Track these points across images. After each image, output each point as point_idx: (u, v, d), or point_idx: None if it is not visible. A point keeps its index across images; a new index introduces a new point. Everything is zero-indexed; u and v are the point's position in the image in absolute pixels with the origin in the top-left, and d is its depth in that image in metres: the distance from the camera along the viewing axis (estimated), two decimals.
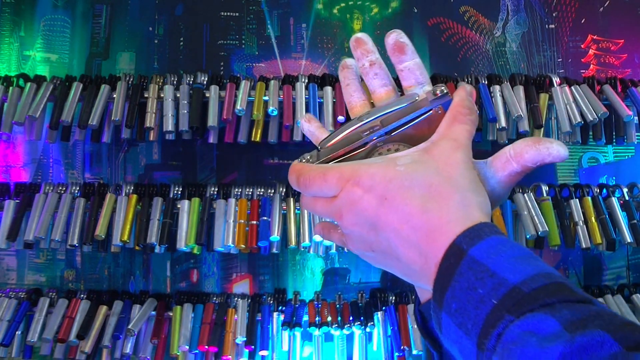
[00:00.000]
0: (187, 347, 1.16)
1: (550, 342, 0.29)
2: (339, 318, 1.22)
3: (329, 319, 1.20)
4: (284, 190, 1.22)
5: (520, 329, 0.30)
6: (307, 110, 1.18)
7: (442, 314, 0.35)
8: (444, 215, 0.36)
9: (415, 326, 1.18)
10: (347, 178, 0.40)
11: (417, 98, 0.44)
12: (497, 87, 1.22)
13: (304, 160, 0.47)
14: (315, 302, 1.25)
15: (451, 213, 0.37)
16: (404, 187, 0.38)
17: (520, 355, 0.29)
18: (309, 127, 0.51)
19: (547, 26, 1.45)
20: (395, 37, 0.47)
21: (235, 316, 1.20)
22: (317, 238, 1.15)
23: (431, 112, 0.43)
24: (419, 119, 0.43)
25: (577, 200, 1.22)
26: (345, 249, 0.52)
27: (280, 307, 1.24)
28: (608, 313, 0.30)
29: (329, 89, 1.20)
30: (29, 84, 1.19)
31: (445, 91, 0.43)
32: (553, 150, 0.39)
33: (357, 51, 0.49)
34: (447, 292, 0.34)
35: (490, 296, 0.32)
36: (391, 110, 0.44)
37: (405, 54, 0.47)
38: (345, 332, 1.21)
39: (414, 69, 0.46)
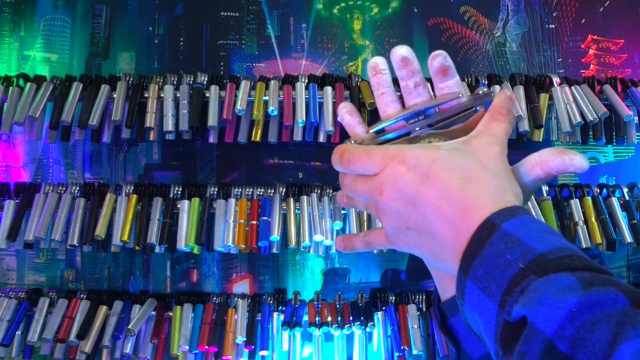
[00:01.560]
0: (187, 347, 1.16)
1: (568, 293, 0.31)
2: (339, 318, 1.22)
3: (329, 319, 1.20)
4: (284, 190, 1.22)
5: (542, 283, 0.32)
6: (307, 110, 1.18)
7: (467, 282, 0.37)
8: (481, 195, 0.39)
9: (416, 326, 1.18)
10: (391, 156, 0.42)
11: (460, 95, 0.47)
12: (497, 87, 1.22)
13: (348, 143, 0.48)
14: (315, 302, 1.25)
15: (488, 194, 0.39)
16: (445, 168, 0.40)
17: (540, 301, 0.32)
18: (350, 120, 0.52)
19: (547, 26, 1.45)
20: (441, 61, 0.48)
21: (235, 316, 1.20)
22: (317, 238, 1.15)
23: (472, 109, 0.46)
24: (462, 114, 0.46)
25: (577, 200, 1.22)
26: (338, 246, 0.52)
27: (280, 307, 1.24)
28: (624, 283, 0.33)
29: (329, 89, 1.20)
30: (29, 84, 1.19)
31: (486, 91, 0.46)
32: (576, 161, 0.41)
33: (403, 71, 0.49)
34: (475, 260, 0.36)
35: (517, 261, 0.34)
36: (437, 104, 0.47)
37: (448, 76, 0.48)
38: (345, 332, 1.21)
39: (453, 87, 0.48)
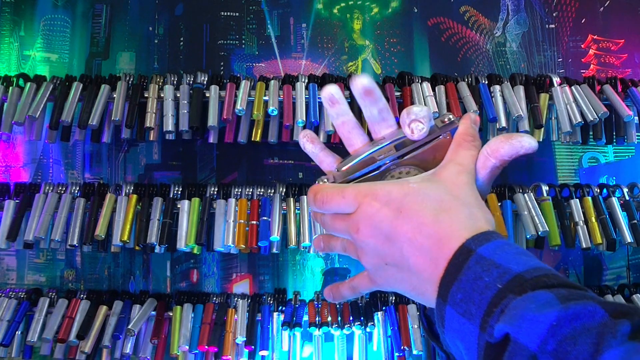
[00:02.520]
0: (187, 347, 1.16)
1: (547, 308, 0.32)
2: (339, 318, 1.22)
3: (329, 319, 1.20)
4: (284, 190, 1.22)
5: (521, 301, 0.33)
6: (307, 110, 1.18)
7: (447, 308, 0.38)
8: (455, 224, 0.40)
9: (416, 326, 1.18)
10: (364, 194, 0.44)
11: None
12: (497, 87, 1.22)
13: (321, 183, 0.49)
14: (315, 302, 1.25)
15: (461, 222, 0.40)
16: (417, 202, 0.42)
17: (521, 317, 0.32)
18: (313, 148, 0.53)
19: (547, 26, 1.45)
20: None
21: (235, 316, 1.20)
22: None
23: (440, 137, 0.47)
24: (429, 143, 0.47)
25: (578, 200, 1.22)
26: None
27: (280, 307, 1.24)
28: (599, 297, 0.34)
29: None
30: (29, 84, 1.19)
31: (452, 119, 0.47)
32: (525, 142, 0.43)
33: (366, 100, 0.50)
34: (453, 285, 0.37)
35: (495, 282, 0.35)
36: (404, 136, 0.48)
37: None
38: (345, 332, 1.21)
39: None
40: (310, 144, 0.53)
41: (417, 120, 0.46)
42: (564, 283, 0.35)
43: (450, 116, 0.47)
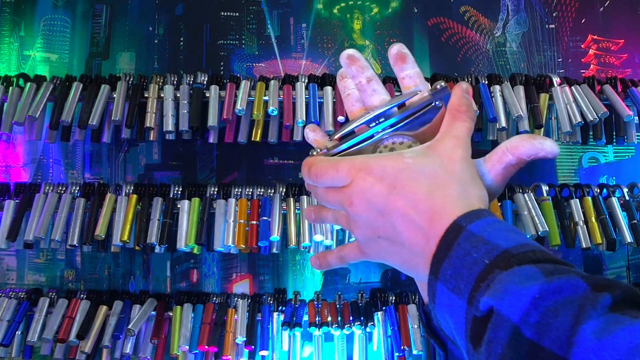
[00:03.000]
0: (187, 347, 1.16)
1: (531, 281, 0.33)
2: (339, 318, 1.22)
3: (329, 319, 1.20)
4: (284, 190, 1.22)
5: (506, 275, 0.34)
6: (307, 110, 1.18)
7: (437, 284, 0.38)
8: (448, 201, 0.40)
9: (416, 326, 1.18)
10: (358, 168, 0.43)
11: (418, 92, 0.47)
12: (497, 87, 1.22)
13: (314, 154, 0.49)
14: (315, 302, 1.25)
15: (454, 199, 0.40)
16: (411, 177, 0.42)
17: (504, 290, 0.33)
18: (314, 135, 0.53)
19: (547, 26, 1.45)
20: (398, 47, 0.49)
21: (235, 316, 1.20)
22: (317, 238, 1.15)
23: (432, 105, 0.46)
24: (421, 111, 0.46)
25: (578, 200, 1.22)
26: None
27: (280, 307, 1.24)
28: (583, 272, 0.34)
29: (329, 88, 1.20)
30: (29, 84, 1.19)
31: (444, 85, 0.46)
32: (546, 146, 0.43)
33: (352, 68, 0.50)
34: (444, 262, 0.37)
35: (483, 258, 0.36)
36: (396, 103, 0.47)
37: (406, 63, 0.49)
38: (345, 332, 1.21)
39: (414, 77, 0.49)
40: (312, 132, 0.53)
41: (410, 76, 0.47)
42: (551, 259, 0.35)
43: (442, 83, 0.46)
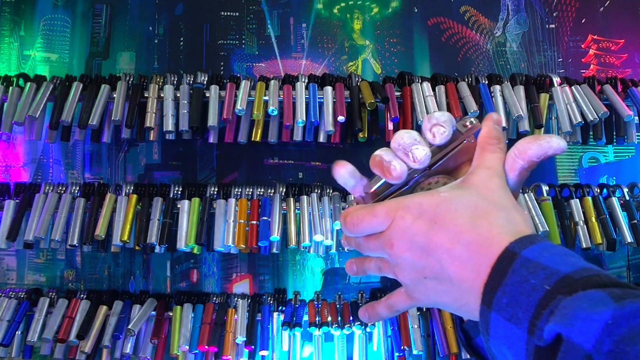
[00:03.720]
0: (187, 347, 1.16)
1: (601, 306, 0.30)
2: (339, 318, 1.22)
3: (329, 319, 1.20)
4: (284, 190, 1.22)
5: (572, 300, 0.31)
6: (307, 110, 1.18)
7: (492, 314, 0.36)
8: (494, 229, 0.38)
9: (416, 326, 1.18)
10: (395, 209, 0.42)
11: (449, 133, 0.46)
12: (498, 87, 1.22)
13: (350, 207, 0.48)
14: (315, 302, 1.25)
15: (500, 227, 0.38)
16: (451, 210, 0.40)
17: (573, 316, 0.30)
18: (345, 170, 0.49)
19: (547, 26, 1.45)
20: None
21: (235, 316, 1.20)
22: (317, 238, 1.15)
23: (464, 142, 0.46)
24: (455, 149, 0.46)
25: (578, 200, 1.22)
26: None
27: (280, 307, 1.24)
28: None
29: (329, 88, 1.20)
30: (29, 84, 1.19)
31: (474, 122, 0.46)
32: (553, 143, 0.42)
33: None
34: (498, 290, 0.35)
35: (542, 284, 0.33)
36: (430, 146, 0.46)
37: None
38: (345, 332, 1.21)
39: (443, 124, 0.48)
40: (342, 167, 0.48)
41: (439, 124, 0.44)
42: (616, 283, 0.33)
43: (472, 119, 0.46)
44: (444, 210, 0.40)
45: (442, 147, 0.46)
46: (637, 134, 1.25)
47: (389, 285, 1.34)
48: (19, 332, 1.18)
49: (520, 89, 1.22)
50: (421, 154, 0.44)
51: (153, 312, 1.22)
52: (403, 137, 0.44)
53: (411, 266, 0.42)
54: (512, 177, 0.44)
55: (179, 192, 1.21)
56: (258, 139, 1.19)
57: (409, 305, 0.47)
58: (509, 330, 0.34)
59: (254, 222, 1.17)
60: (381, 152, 0.45)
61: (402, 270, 0.43)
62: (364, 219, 0.44)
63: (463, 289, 0.39)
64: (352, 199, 0.51)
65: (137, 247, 1.17)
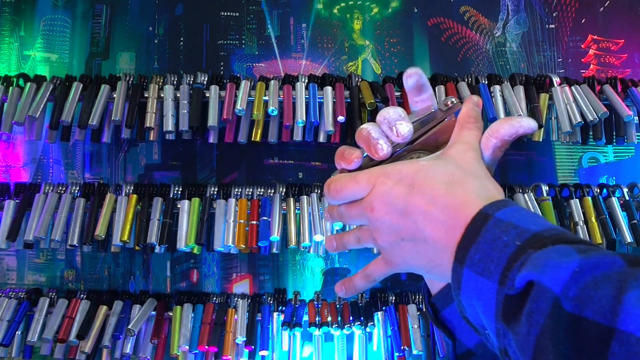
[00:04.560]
0: (187, 347, 1.16)
1: (569, 257, 0.33)
2: (339, 318, 1.22)
3: (329, 319, 1.20)
4: (284, 190, 1.22)
5: (542, 253, 0.34)
6: (307, 110, 1.18)
7: (464, 270, 0.38)
8: (469, 194, 0.41)
9: (416, 326, 1.18)
10: (376, 175, 0.45)
11: (432, 110, 0.50)
12: (497, 87, 1.22)
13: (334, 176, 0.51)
14: (315, 302, 1.25)
15: (475, 193, 0.41)
16: (428, 176, 0.43)
17: (544, 264, 0.33)
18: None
19: (547, 26, 1.45)
20: (417, 79, 0.51)
21: (235, 316, 1.20)
22: (317, 238, 1.15)
23: (445, 120, 0.50)
24: (436, 127, 0.50)
25: (577, 200, 1.22)
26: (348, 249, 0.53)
27: (280, 307, 1.24)
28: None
29: (329, 88, 1.20)
30: (29, 84, 1.19)
31: (455, 102, 0.49)
32: (524, 123, 0.46)
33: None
34: (471, 248, 0.38)
35: (514, 240, 0.36)
36: (414, 121, 0.49)
37: (423, 92, 0.52)
38: (345, 332, 1.21)
39: (426, 100, 0.52)
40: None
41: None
42: (581, 240, 0.36)
43: (453, 99, 0.49)
44: (422, 177, 0.43)
45: (424, 123, 0.49)
46: (637, 134, 1.25)
47: (389, 285, 1.34)
48: (19, 332, 1.18)
49: (520, 89, 1.22)
50: (404, 130, 0.47)
51: (153, 312, 1.22)
52: (389, 112, 0.47)
53: (389, 228, 0.44)
54: (487, 154, 0.47)
55: (179, 192, 1.21)
56: (258, 139, 1.19)
57: (386, 271, 0.49)
58: (480, 283, 0.37)
59: (254, 222, 1.17)
60: (368, 127, 0.48)
61: (380, 233, 0.45)
62: (347, 184, 0.46)
63: (438, 249, 0.41)
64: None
65: (137, 247, 1.17)
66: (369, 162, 0.49)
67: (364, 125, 0.49)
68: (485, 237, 0.37)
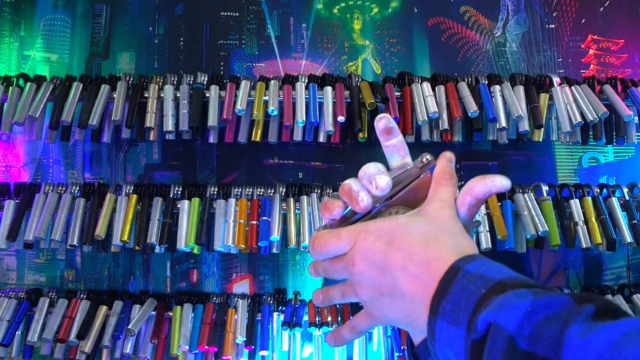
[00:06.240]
0: (187, 347, 1.16)
1: (524, 298, 0.36)
2: (339, 318, 1.22)
3: (329, 319, 1.20)
4: (284, 190, 1.22)
5: (502, 297, 0.37)
6: (307, 110, 1.18)
7: (437, 321, 0.40)
8: (443, 250, 0.44)
9: None
10: (358, 231, 0.48)
11: (408, 168, 0.53)
12: (497, 87, 1.22)
13: (316, 232, 0.53)
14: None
15: (448, 248, 0.44)
16: (406, 233, 0.45)
17: (500, 304, 0.36)
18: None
19: (547, 26, 1.45)
20: (385, 123, 0.53)
21: (235, 316, 1.20)
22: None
23: (421, 177, 0.52)
24: (412, 183, 0.52)
25: (578, 200, 1.22)
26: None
27: (280, 307, 1.24)
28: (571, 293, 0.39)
29: (329, 88, 1.20)
30: (29, 84, 1.19)
31: (429, 159, 0.52)
32: (497, 182, 0.48)
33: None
34: (443, 299, 0.40)
35: (480, 289, 0.39)
36: (391, 177, 0.51)
37: (392, 135, 0.54)
38: None
39: (398, 145, 0.54)
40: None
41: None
42: (542, 286, 0.39)
43: (428, 156, 0.52)
44: (401, 234, 0.45)
45: (401, 180, 0.52)
46: (637, 134, 1.25)
47: None
48: (19, 332, 1.18)
49: (520, 89, 1.22)
50: (383, 182, 0.49)
51: (153, 312, 1.22)
52: (369, 167, 0.49)
53: (369, 283, 0.46)
54: (463, 211, 0.49)
55: (179, 192, 1.21)
56: (258, 139, 1.19)
57: (369, 325, 0.51)
58: (451, 332, 0.39)
59: (254, 222, 1.17)
60: (350, 182, 0.51)
61: (361, 288, 0.47)
62: (330, 240, 0.49)
63: (415, 303, 0.43)
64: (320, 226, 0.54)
65: (137, 247, 1.17)
66: (352, 217, 0.51)
67: (346, 181, 0.51)
68: (455, 288, 0.40)
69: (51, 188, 1.21)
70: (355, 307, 1.24)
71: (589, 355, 0.32)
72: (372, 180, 0.49)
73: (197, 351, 1.17)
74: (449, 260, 0.42)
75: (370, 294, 0.47)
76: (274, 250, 1.17)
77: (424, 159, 0.52)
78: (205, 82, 1.21)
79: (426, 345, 0.51)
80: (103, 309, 1.19)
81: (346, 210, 0.52)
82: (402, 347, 1.15)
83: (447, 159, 0.52)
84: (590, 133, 1.24)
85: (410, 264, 0.44)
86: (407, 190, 0.52)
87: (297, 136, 1.19)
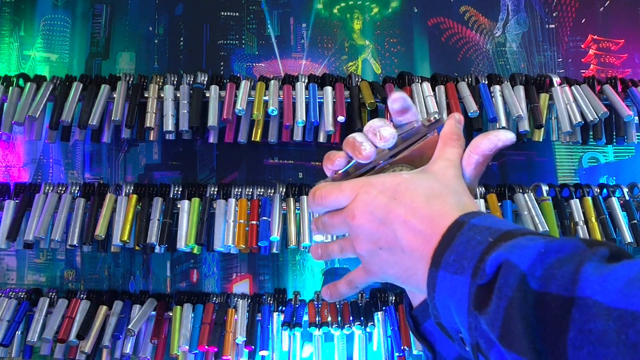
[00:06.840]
0: (187, 347, 1.16)
1: (535, 241, 0.36)
2: (339, 318, 1.22)
3: (329, 319, 1.20)
4: (284, 190, 1.22)
5: (512, 241, 0.37)
6: (307, 110, 1.18)
7: (439, 272, 0.39)
8: (446, 207, 0.43)
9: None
10: (360, 185, 0.47)
11: (416, 125, 0.52)
12: (497, 87, 1.22)
13: (319, 184, 0.52)
14: (315, 302, 1.25)
15: (452, 205, 0.43)
16: (410, 189, 0.45)
17: (513, 246, 0.36)
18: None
19: (547, 26, 1.45)
20: (402, 103, 0.53)
21: (235, 316, 1.20)
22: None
23: (427, 136, 0.51)
24: (418, 142, 0.51)
25: (578, 200, 1.22)
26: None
27: (280, 307, 1.24)
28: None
29: (329, 88, 1.20)
30: (28, 84, 1.19)
31: (438, 117, 0.51)
32: (501, 135, 0.47)
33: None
34: (446, 251, 0.40)
35: (487, 238, 0.38)
36: (397, 135, 0.51)
37: (407, 113, 0.53)
38: (345, 332, 1.21)
39: (410, 117, 0.53)
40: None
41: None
42: (551, 236, 0.38)
43: (436, 115, 0.51)
44: (404, 189, 0.45)
45: (407, 137, 0.51)
46: (637, 134, 1.25)
47: (388, 286, 1.34)
48: (19, 332, 1.18)
49: (520, 89, 1.22)
50: (387, 132, 0.48)
51: (153, 312, 1.22)
52: (374, 121, 0.49)
53: (368, 236, 0.45)
54: (469, 171, 0.48)
55: (179, 192, 1.21)
56: (258, 139, 1.19)
57: (366, 280, 0.50)
58: (454, 281, 0.38)
59: (254, 222, 1.17)
60: (354, 135, 0.50)
61: (360, 241, 0.46)
62: (331, 192, 0.48)
63: (414, 258, 0.43)
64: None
65: (137, 247, 1.17)
66: (354, 172, 0.50)
67: (351, 134, 0.50)
68: (460, 239, 0.39)
69: (51, 188, 1.21)
70: (356, 308, 1.24)
71: (607, 290, 0.31)
72: (376, 132, 0.49)
73: (197, 351, 1.17)
74: (452, 216, 0.42)
75: (369, 247, 0.46)
76: (274, 250, 1.18)
77: (432, 118, 0.51)
78: (205, 82, 1.21)
79: (425, 307, 0.51)
80: (103, 309, 1.19)
81: (349, 165, 0.50)
82: (402, 347, 1.15)
83: (455, 120, 0.51)
84: (590, 133, 1.24)
85: (412, 218, 0.43)
86: (413, 149, 0.51)
87: (297, 136, 1.19)
